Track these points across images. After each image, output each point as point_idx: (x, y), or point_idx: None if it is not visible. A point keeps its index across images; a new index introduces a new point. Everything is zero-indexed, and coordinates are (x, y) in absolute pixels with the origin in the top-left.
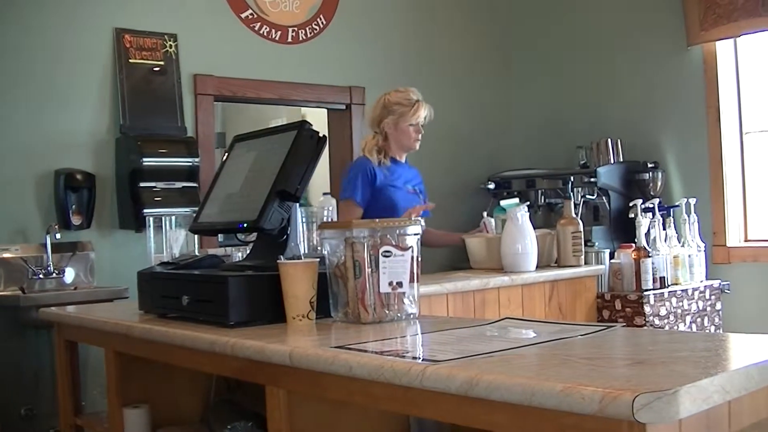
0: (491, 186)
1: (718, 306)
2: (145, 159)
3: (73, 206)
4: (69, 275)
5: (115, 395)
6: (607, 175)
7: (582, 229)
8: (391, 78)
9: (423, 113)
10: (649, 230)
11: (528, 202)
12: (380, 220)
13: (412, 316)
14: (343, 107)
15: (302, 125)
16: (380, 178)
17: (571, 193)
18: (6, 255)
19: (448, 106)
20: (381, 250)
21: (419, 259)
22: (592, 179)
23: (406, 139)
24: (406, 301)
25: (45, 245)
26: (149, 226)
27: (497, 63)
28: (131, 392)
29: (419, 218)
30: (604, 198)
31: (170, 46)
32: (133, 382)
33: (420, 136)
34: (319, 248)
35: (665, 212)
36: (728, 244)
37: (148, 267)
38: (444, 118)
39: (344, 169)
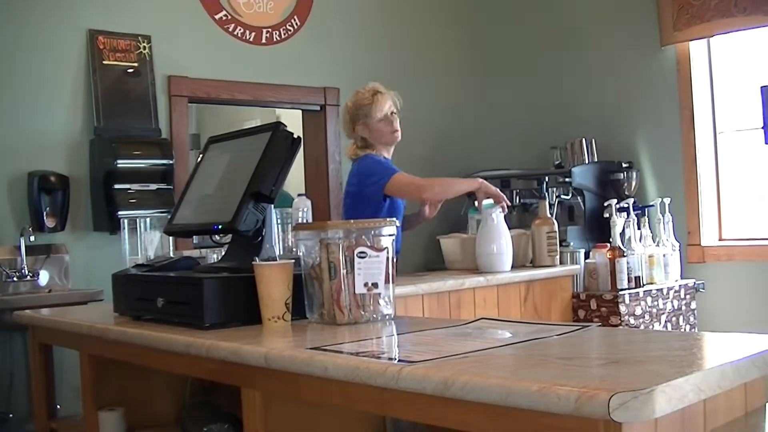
0: None
1: (693, 305)
2: (119, 161)
3: (47, 208)
4: (43, 278)
5: (90, 398)
6: (582, 175)
7: (557, 229)
8: (366, 79)
9: (387, 102)
10: (623, 230)
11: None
12: (355, 221)
13: (387, 317)
14: (318, 108)
15: (277, 126)
16: None
17: (546, 193)
18: None
19: (423, 107)
20: (356, 251)
21: (395, 259)
22: (567, 179)
23: (382, 136)
24: (381, 302)
25: (19, 248)
26: (124, 228)
27: (471, 63)
28: (106, 395)
29: (395, 219)
30: (578, 198)
31: (144, 48)
32: (108, 385)
33: (396, 124)
34: (294, 249)
35: (640, 212)
36: (703, 244)
37: (123, 269)
38: (418, 118)
39: (363, 169)
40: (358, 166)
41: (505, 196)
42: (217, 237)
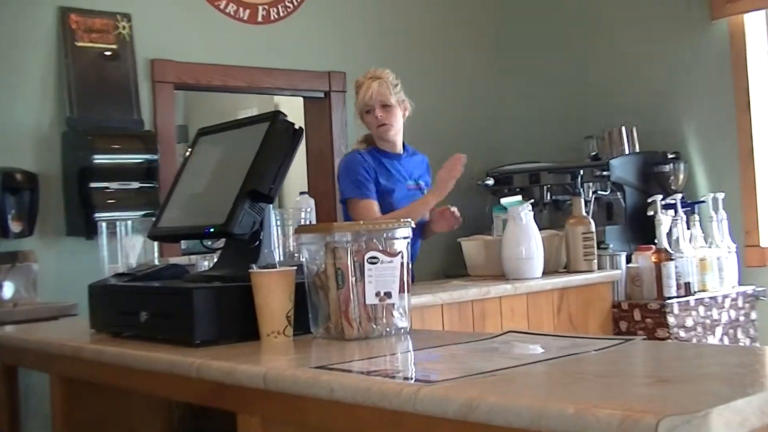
0: (490, 182)
1: (753, 315)
2: (96, 156)
3: (13, 211)
4: (8, 290)
5: (62, 427)
6: (622, 167)
7: (594, 230)
8: (375, 62)
9: (367, 92)
10: (670, 230)
11: (532, 200)
12: (365, 222)
13: (402, 330)
14: (322, 95)
15: (275, 116)
16: (375, 174)
17: (581, 189)
18: None
19: (439, 93)
20: (366, 257)
21: (410, 265)
22: (605, 173)
23: (371, 130)
24: (395, 313)
25: None
26: (102, 232)
27: (495, 43)
28: (81, 423)
29: (409, 220)
30: (618, 194)
31: (123, 28)
32: (82, 412)
33: (381, 116)
34: (296, 255)
35: (689, 209)
36: (762, 245)
37: (101, 279)
38: (434, 106)
39: (340, 168)
40: (342, 166)
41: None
42: (208, 242)
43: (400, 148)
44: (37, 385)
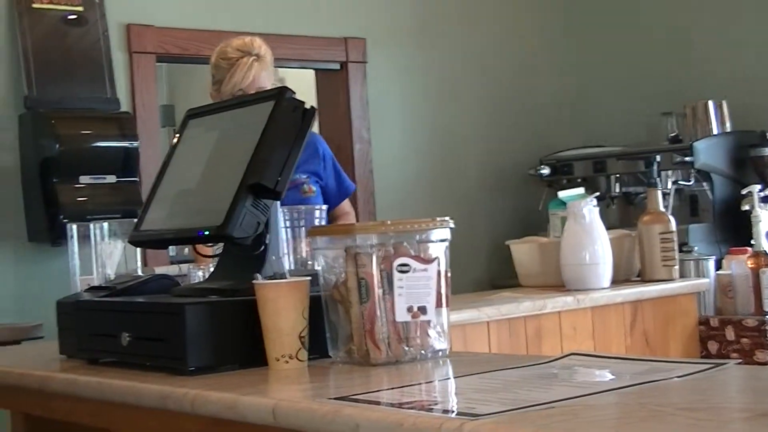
0: (545, 171)
1: None
2: (62, 144)
3: None
4: None
5: None
6: (709, 151)
7: (674, 229)
8: (402, 26)
9: (239, 75)
10: None
11: (597, 193)
12: (393, 221)
13: (440, 353)
14: (338, 67)
15: (281, 93)
16: None
17: (658, 179)
18: None
19: (483, 65)
20: (395, 264)
21: (449, 274)
22: (687, 158)
23: None
24: (431, 332)
25: None
26: (71, 237)
27: (551, 3)
28: None
29: (447, 219)
30: (704, 184)
31: None
32: None
33: None
34: (310, 263)
35: None
36: None
37: (72, 294)
38: (476, 81)
39: None
40: None
41: None
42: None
43: None
44: None
